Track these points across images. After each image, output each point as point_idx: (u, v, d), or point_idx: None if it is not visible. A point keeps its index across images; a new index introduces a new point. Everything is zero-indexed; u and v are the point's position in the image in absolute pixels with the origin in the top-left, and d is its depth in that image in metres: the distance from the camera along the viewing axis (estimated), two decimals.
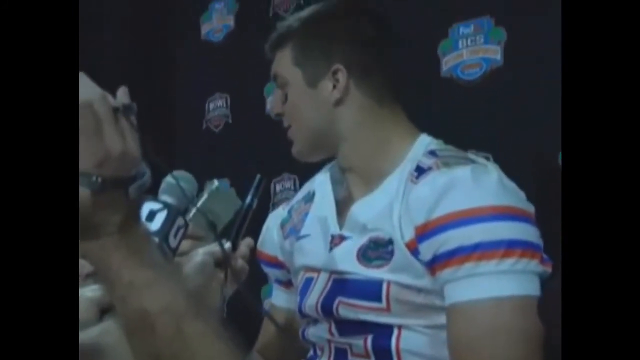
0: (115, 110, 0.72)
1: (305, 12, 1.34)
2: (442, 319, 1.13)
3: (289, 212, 1.42)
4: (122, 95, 0.75)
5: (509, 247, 1.08)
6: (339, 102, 1.27)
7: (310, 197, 1.39)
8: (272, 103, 1.37)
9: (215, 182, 1.21)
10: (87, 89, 0.70)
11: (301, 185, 1.55)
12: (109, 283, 0.73)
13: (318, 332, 1.27)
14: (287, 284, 1.44)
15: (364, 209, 1.24)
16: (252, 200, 1.22)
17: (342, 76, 1.27)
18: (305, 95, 1.29)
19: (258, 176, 1.24)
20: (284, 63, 1.31)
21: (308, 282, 1.29)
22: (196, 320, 0.74)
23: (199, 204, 1.20)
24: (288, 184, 2.13)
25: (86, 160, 0.68)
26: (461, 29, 1.77)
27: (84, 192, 0.68)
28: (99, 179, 0.69)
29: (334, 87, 1.27)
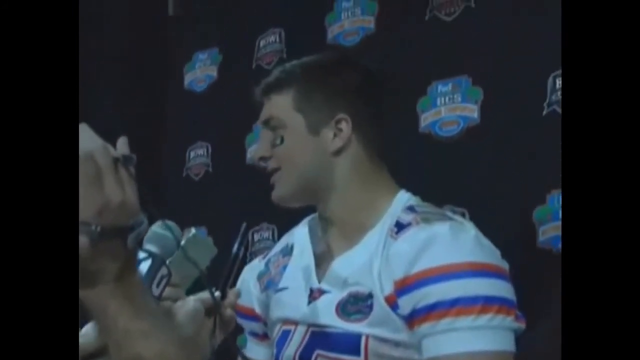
0: (116, 160, 0.74)
1: (307, 60, 1.35)
2: None
3: (266, 264, 1.43)
4: (122, 145, 0.77)
5: (486, 303, 1.10)
6: (338, 152, 1.29)
7: (288, 250, 1.40)
8: (259, 145, 1.35)
9: (192, 230, 1.22)
10: (88, 139, 0.72)
11: (280, 235, 1.57)
12: (105, 329, 0.75)
13: None
14: (262, 336, 1.44)
15: (345, 264, 1.26)
16: (239, 248, 1.23)
17: (345, 126, 1.28)
18: (306, 141, 1.29)
19: (244, 224, 1.24)
20: (283, 107, 1.30)
21: (285, 335, 1.30)
22: None
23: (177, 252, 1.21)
24: (266, 234, 2.15)
25: (86, 210, 0.70)
26: (440, 87, 1.82)
27: (83, 241, 0.70)
28: (98, 228, 0.70)
29: (335, 135, 1.29)
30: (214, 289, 1.16)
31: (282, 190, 1.32)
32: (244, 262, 1.37)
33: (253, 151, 2.19)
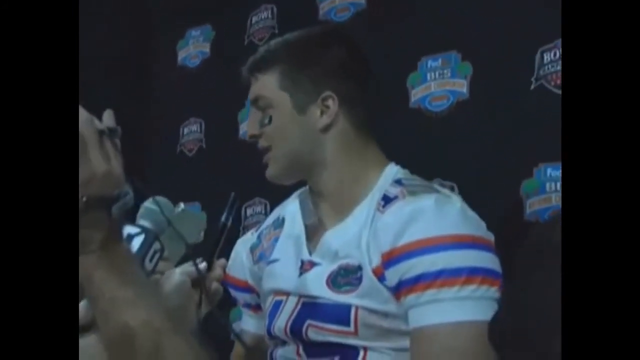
0: (101, 132, 0.76)
1: (291, 38, 1.36)
2: (406, 342, 1.18)
3: (258, 237, 1.46)
4: (108, 118, 0.79)
5: (470, 274, 1.13)
6: (326, 129, 1.31)
7: (280, 223, 1.42)
8: (248, 124, 1.38)
9: (181, 205, 1.24)
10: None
11: (272, 209, 1.59)
12: (91, 298, 0.77)
13: (286, 353, 1.31)
14: (256, 307, 1.48)
15: (336, 236, 1.28)
16: (226, 219, 1.25)
17: (332, 103, 1.30)
18: (293, 119, 1.31)
19: (232, 194, 1.26)
20: (269, 86, 1.32)
21: (277, 305, 1.33)
22: (175, 336, 0.78)
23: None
24: (259, 209, 2.17)
25: None
26: (429, 63, 1.83)
27: None
28: (84, 198, 0.72)
29: (322, 113, 1.30)
30: (201, 260, 1.19)
31: (274, 168, 1.34)
32: (234, 233, 1.39)
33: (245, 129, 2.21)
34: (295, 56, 1.33)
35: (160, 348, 0.76)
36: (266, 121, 1.33)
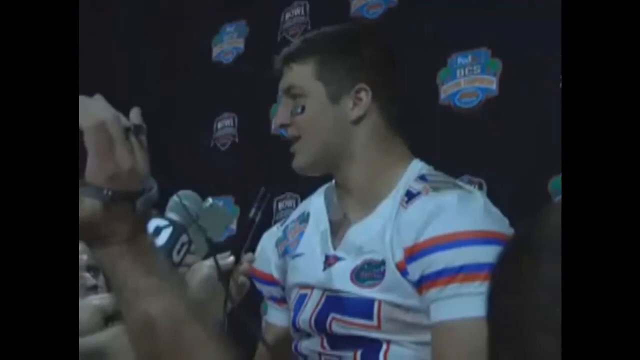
0: (127, 129, 0.79)
1: (328, 30, 1.38)
2: (428, 336, 1.19)
3: (284, 231, 1.47)
4: (135, 116, 0.82)
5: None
6: (357, 121, 1.32)
7: (305, 218, 1.44)
8: (279, 113, 1.39)
9: (210, 200, 1.26)
10: (102, 109, 0.77)
11: None
12: (116, 288, 0.80)
13: (310, 345, 1.33)
14: (281, 301, 1.49)
15: (361, 232, 1.30)
16: (255, 214, 1.27)
17: (365, 95, 1.31)
18: (326, 109, 1.32)
19: (262, 189, 1.28)
20: (304, 75, 1.33)
21: (302, 298, 1.35)
22: (196, 326, 0.80)
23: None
24: (290, 203, 2.20)
25: (98, 175, 0.75)
26: (459, 59, 1.84)
27: (95, 204, 0.75)
28: (110, 192, 0.75)
29: (354, 105, 1.32)
30: (228, 254, 1.22)
31: (302, 158, 1.35)
32: (264, 228, 1.42)
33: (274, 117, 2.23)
34: (332, 47, 1.34)
35: (181, 337, 0.78)
36: (299, 110, 1.33)
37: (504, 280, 0.71)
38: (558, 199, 1.53)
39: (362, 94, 1.31)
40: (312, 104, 1.33)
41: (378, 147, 1.33)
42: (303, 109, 1.33)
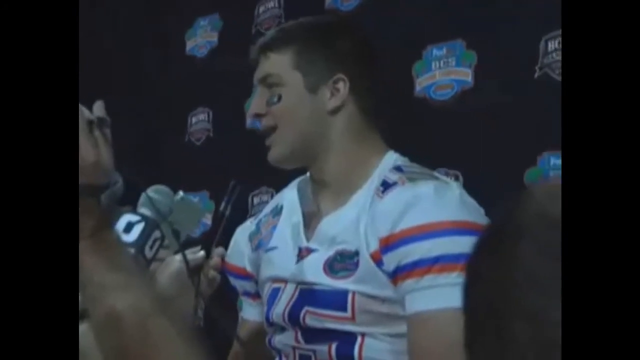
0: (90, 122, 0.77)
1: (307, 21, 1.37)
2: (403, 327, 1.18)
3: (257, 225, 1.46)
4: (98, 109, 0.80)
5: None
6: (334, 111, 1.30)
7: (278, 211, 1.42)
8: (254, 102, 1.36)
9: (180, 193, 1.24)
10: None
11: None
12: (81, 283, 0.78)
13: (284, 339, 1.31)
14: (255, 295, 1.48)
15: (333, 223, 1.29)
16: (225, 207, 1.25)
17: (342, 86, 1.30)
18: (304, 99, 1.31)
19: (232, 182, 1.26)
20: (281, 65, 1.31)
21: (275, 292, 1.34)
22: (164, 321, 0.78)
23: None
24: (266, 198, 2.18)
25: None
26: (434, 52, 1.83)
27: None
28: None
29: (332, 95, 1.30)
30: (199, 248, 1.20)
31: (279, 150, 1.33)
32: (236, 222, 1.40)
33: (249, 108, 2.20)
34: (310, 38, 1.33)
35: (148, 332, 0.77)
36: (275, 99, 1.31)
37: (481, 269, 0.70)
38: (532, 184, 1.54)
39: (340, 85, 1.30)
40: (290, 94, 1.31)
41: (354, 138, 1.32)
42: (280, 98, 1.31)
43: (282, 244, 1.35)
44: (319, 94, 1.30)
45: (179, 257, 1.19)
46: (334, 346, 1.23)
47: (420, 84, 1.85)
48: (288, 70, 1.31)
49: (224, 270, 1.40)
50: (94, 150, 0.76)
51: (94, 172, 0.75)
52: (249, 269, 1.45)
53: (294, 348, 1.30)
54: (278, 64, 1.32)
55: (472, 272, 0.72)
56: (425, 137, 1.80)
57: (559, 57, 1.60)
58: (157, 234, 1.15)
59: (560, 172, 1.65)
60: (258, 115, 1.34)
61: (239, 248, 1.45)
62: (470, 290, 0.72)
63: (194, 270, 1.15)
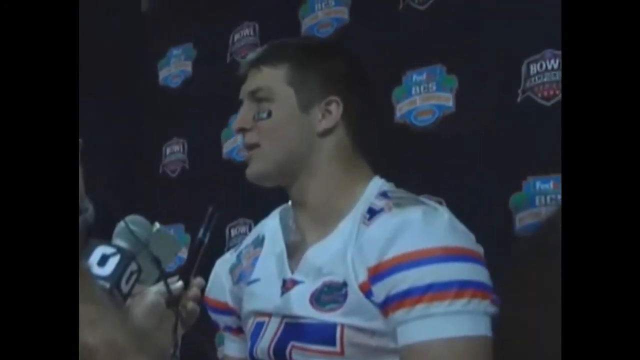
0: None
1: (301, 39, 1.36)
2: None
3: (238, 256, 1.40)
4: None
5: (461, 287, 1.08)
6: (324, 134, 1.26)
7: (259, 242, 1.37)
8: (240, 116, 1.31)
9: (157, 225, 1.19)
10: None
11: None
12: None
13: None
14: (237, 331, 1.42)
15: (319, 253, 1.23)
16: (204, 234, 1.20)
17: (335, 108, 1.25)
18: (294, 117, 1.26)
19: (210, 209, 1.21)
20: (275, 79, 1.27)
21: (259, 327, 1.28)
22: (139, 356, 0.73)
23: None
24: (243, 229, 2.13)
25: None
26: (414, 77, 1.81)
27: None
28: None
29: (323, 117, 1.26)
30: (177, 279, 1.14)
31: (259, 166, 1.27)
32: (214, 252, 1.35)
33: (233, 123, 2.15)
34: (307, 55, 1.29)
35: None
36: (264, 115, 1.26)
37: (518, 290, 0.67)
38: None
39: (333, 106, 1.26)
40: (280, 110, 1.26)
41: (341, 164, 1.27)
42: (270, 113, 1.26)
43: (265, 276, 1.30)
44: (310, 114, 1.26)
45: (154, 288, 1.13)
46: None
47: (401, 109, 1.82)
48: (281, 85, 1.27)
49: (203, 304, 1.34)
50: None
51: None
52: (230, 303, 1.39)
53: None
54: (271, 77, 1.28)
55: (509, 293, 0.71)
56: (407, 164, 1.76)
57: (542, 80, 1.59)
58: (133, 266, 1.09)
59: (546, 196, 1.63)
60: (243, 130, 1.29)
61: (219, 281, 1.39)
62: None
63: (172, 302, 1.10)
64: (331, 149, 1.26)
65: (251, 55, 1.31)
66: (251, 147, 1.27)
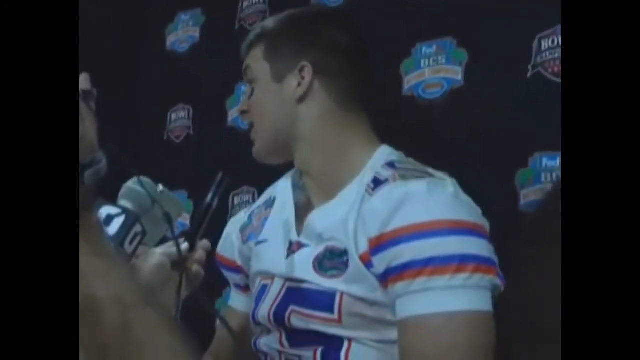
0: None
1: (282, 15, 1.36)
2: (393, 334, 1.12)
3: (250, 216, 1.41)
4: (83, 81, 0.76)
5: (462, 262, 1.08)
6: (302, 99, 1.27)
7: (271, 203, 1.38)
8: (242, 100, 1.40)
9: (160, 187, 1.20)
10: None
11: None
12: None
13: (269, 342, 1.25)
14: (245, 288, 1.43)
15: (321, 217, 1.23)
16: (212, 199, 1.20)
17: (307, 73, 1.26)
18: (271, 89, 1.28)
19: (220, 174, 1.23)
20: (255, 59, 1.31)
21: (263, 290, 1.28)
22: (146, 312, 0.72)
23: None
24: (247, 197, 2.12)
25: None
26: (424, 49, 1.78)
27: None
28: None
29: (299, 84, 1.26)
30: (182, 240, 1.14)
31: (258, 145, 1.32)
32: (220, 216, 1.35)
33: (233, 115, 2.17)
34: (281, 28, 1.32)
35: (130, 324, 0.70)
36: (250, 95, 1.32)
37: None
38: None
39: (305, 72, 1.26)
40: (259, 86, 1.30)
41: (329, 127, 1.27)
42: (252, 91, 1.30)
43: (272, 237, 1.30)
44: (284, 84, 1.28)
45: (160, 250, 1.13)
46: (319, 351, 1.17)
47: (409, 82, 1.80)
48: (260, 63, 1.30)
49: (215, 262, 1.36)
50: (78, 124, 0.70)
51: (78, 147, 0.70)
52: (238, 261, 1.40)
53: (279, 352, 1.24)
54: (253, 58, 1.32)
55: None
56: (412, 137, 1.74)
57: (553, 56, 1.56)
58: (137, 228, 1.10)
59: (552, 173, 1.61)
60: (243, 112, 1.35)
61: (230, 239, 1.42)
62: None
63: (177, 264, 1.09)
64: (314, 115, 1.27)
65: (246, 40, 1.35)
66: (250, 127, 1.33)
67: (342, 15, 1.43)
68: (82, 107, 0.73)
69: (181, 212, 1.24)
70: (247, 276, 1.40)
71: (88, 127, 0.72)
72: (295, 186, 1.34)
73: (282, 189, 1.37)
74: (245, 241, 1.38)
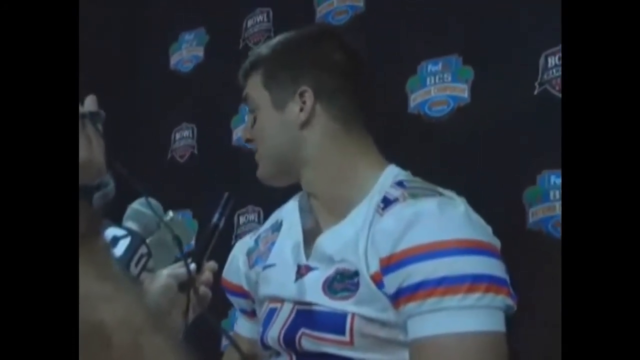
0: (82, 117, 0.71)
1: (276, 39, 1.35)
2: (405, 354, 1.11)
3: (256, 241, 1.40)
4: (90, 103, 0.75)
5: (474, 281, 1.06)
6: (304, 125, 1.26)
7: (277, 226, 1.37)
8: (244, 128, 1.38)
9: (170, 213, 1.19)
10: None
11: (266, 218, 1.54)
12: None
13: None
14: (251, 314, 1.42)
15: (331, 239, 1.22)
16: (219, 219, 1.20)
17: (308, 98, 1.26)
18: (272, 117, 1.28)
19: (226, 194, 1.22)
20: (254, 87, 1.31)
21: (271, 313, 1.27)
22: (154, 335, 0.71)
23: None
24: (252, 217, 2.11)
25: None
26: (429, 67, 1.78)
27: None
28: None
29: (301, 110, 1.26)
30: (190, 261, 1.13)
31: (261, 170, 1.32)
32: (226, 236, 1.34)
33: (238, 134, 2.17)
34: (278, 54, 1.31)
35: (138, 347, 0.69)
36: (252, 123, 1.32)
37: None
38: None
39: (306, 97, 1.26)
40: (261, 115, 1.30)
41: (334, 149, 1.27)
42: (254, 120, 1.31)
43: (280, 261, 1.29)
44: (286, 111, 1.27)
45: (166, 271, 1.12)
46: None
47: (415, 100, 1.79)
48: (260, 91, 1.30)
49: (221, 286, 1.35)
50: (85, 147, 0.69)
51: (86, 170, 0.69)
52: (245, 286, 1.39)
53: None
54: (251, 86, 1.32)
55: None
56: (419, 156, 1.73)
57: (559, 73, 1.56)
58: (143, 249, 1.09)
59: (560, 191, 1.60)
60: (248, 141, 1.35)
61: (236, 264, 1.41)
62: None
63: (184, 286, 1.08)
64: (318, 138, 1.27)
65: (243, 66, 1.35)
66: (255, 153, 1.33)
67: (336, 32, 1.42)
68: (90, 129, 0.72)
69: (190, 239, 1.24)
70: (253, 301, 1.39)
71: (96, 149, 0.72)
72: (302, 209, 1.34)
73: (289, 212, 1.36)
74: (252, 266, 1.37)
